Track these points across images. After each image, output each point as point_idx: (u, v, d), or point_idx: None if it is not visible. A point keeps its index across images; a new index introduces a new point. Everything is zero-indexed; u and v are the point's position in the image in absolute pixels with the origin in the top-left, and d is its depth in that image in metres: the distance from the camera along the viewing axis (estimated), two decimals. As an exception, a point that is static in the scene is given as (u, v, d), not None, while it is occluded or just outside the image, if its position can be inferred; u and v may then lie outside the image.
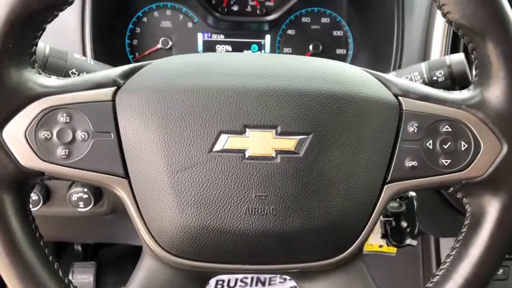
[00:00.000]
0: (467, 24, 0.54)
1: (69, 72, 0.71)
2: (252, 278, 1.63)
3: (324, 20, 1.11)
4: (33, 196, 0.85)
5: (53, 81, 0.55)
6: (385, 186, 0.57)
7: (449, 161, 0.56)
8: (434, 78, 0.73)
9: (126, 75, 0.56)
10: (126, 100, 0.54)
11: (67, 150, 0.54)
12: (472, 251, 0.57)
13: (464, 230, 0.59)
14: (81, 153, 0.54)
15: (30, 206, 0.57)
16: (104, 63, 0.76)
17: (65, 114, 0.54)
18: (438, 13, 0.94)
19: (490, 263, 0.57)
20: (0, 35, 0.51)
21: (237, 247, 0.55)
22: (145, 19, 1.08)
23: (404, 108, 0.57)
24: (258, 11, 1.10)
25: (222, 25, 1.09)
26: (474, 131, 0.56)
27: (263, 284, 1.62)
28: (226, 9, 1.10)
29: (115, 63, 0.67)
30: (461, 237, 0.59)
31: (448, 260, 0.59)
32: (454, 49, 0.94)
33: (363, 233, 0.57)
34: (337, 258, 0.57)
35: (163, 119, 0.54)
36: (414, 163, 0.56)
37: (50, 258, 0.56)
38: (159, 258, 0.57)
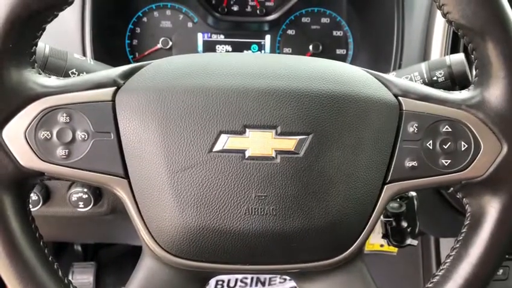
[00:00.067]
0: (467, 24, 0.54)
1: (69, 72, 0.71)
2: (252, 278, 1.63)
3: (324, 20, 1.11)
4: (33, 196, 0.85)
5: (53, 81, 0.55)
6: (385, 186, 0.56)
7: (449, 161, 0.56)
8: (434, 78, 0.73)
9: (126, 75, 0.56)
10: (126, 100, 0.54)
11: (67, 150, 0.54)
12: (472, 251, 0.57)
13: (464, 230, 0.59)
14: (81, 153, 0.54)
15: (30, 206, 0.57)
16: (103, 63, 0.76)
17: (64, 114, 0.54)
18: (438, 13, 0.94)
19: (490, 263, 0.57)
20: (0, 35, 0.51)
21: (237, 247, 0.55)
22: (145, 19, 1.08)
23: (404, 109, 0.57)
24: (258, 11, 1.10)
25: (222, 25, 1.09)
26: (474, 131, 0.56)
27: (263, 284, 1.62)
28: (226, 9, 1.10)
29: (115, 63, 0.67)
30: (461, 238, 0.59)
31: (448, 260, 0.59)
32: (454, 49, 0.94)
33: (363, 233, 0.57)
34: (337, 258, 0.57)
35: (163, 119, 0.54)
36: (414, 163, 0.56)
37: (50, 259, 0.56)
38: (158, 258, 0.57)
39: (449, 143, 0.56)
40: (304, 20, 1.11)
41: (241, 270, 0.58)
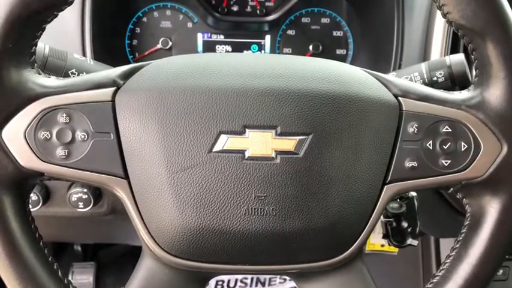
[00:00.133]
0: (468, 24, 0.54)
1: (69, 72, 0.71)
2: (252, 279, 1.63)
3: (324, 20, 1.11)
4: (33, 196, 0.85)
5: (53, 81, 0.55)
6: (385, 186, 0.56)
7: (449, 161, 0.56)
8: (434, 78, 0.73)
9: (126, 76, 0.56)
10: (125, 100, 0.54)
11: (66, 151, 0.54)
12: (472, 252, 0.57)
13: (464, 230, 0.59)
14: (80, 153, 0.54)
15: (30, 206, 0.57)
16: (103, 63, 0.76)
17: (64, 115, 0.54)
18: (438, 13, 0.94)
19: (490, 264, 0.57)
20: (0, 35, 0.51)
21: (237, 247, 0.55)
22: (145, 19, 1.08)
23: (404, 109, 0.57)
24: (258, 11, 1.10)
25: (222, 25, 1.09)
26: (474, 131, 0.56)
27: (263, 284, 1.62)
28: (226, 10, 1.10)
29: (115, 64, 0.67)
30: (461, 238, 0.59)
31: (448, 260, 0.59)
32: (454, 49, 0.94)
33: (363, 233, 0.57)
34: (337, 258, 0.57)
35: (163, 119, 0.54)
36: (414, 163, 0.56)
37: (50, 259, 0.56)
38: (158, 258, 0.57)
39: (449, 144, 0.56)
40: (304, 20, 1.11)
41: (241, 270, 0.58)
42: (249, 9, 1.11)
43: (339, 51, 1.12)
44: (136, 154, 0.54)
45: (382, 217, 0.83)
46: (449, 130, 0.56)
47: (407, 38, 0.98)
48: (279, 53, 1.11)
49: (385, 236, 0.87)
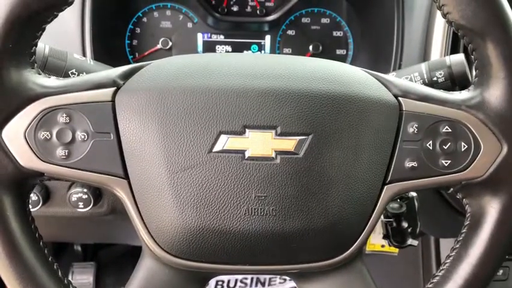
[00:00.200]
0: (468, 24, 0.54)
1: (69, 72, 0.71)
2: (252, 279, 1.63)
3: (324, 20, 1.11)
4: (33, 196, 0.85)
5: (53, 81, 0.55)
6: (385, 186, 0.56)
7: (449, 161, 0.56)
8: (434, 78, 0.73)
9: (126, 76, 0.56)
10: (125, 100, 0.54)
11: (67, 151, 0.54)
12: (472, 252, 0.57)
13: (464, 230, 0.59)
14: (80, 153, 0.54)
15: (30, 206, 0.57)
16: (103, 63, 0.76)
17: (64, 115, 0.54)
18: (438, 13, 0.94)
19: (490, 264, 0.57)
20: (0, 35, 0.51)
21: (237, 248, 0.55)
22: (145, 19, 1.08)
23: (404, 109, 0.57)
24: (258, 12, 1.10)
25: (222, 25, 1.09)
26: (474, 131, 0.56)
27: (263, 284, 1.62)
28: (226, 10, 1.10)
29: (115, 64, 0.67)
30: (461, 238, 0.59)
31: (448, 260, 0.59)
32: (454, 49, 0.94)
33: (363, 233, 0.57)
34: (337, 258, 0.57)
35: (163, 119, 0.54)
36: (414, 164, 0.56)
37: (50, 259, 0.56)
38: (158, 258, 0.57)
39: (449, 144, 0.56)
40: (304, 20, 1.11)
41: (241, 270, 0.58)
42: (249, 9, 1.11)
43: (339, 52, 1.12)
44: (137, 154, 0.54)
45: (382, 217, 0.83)
46: (449, 130, 0.56)
47: (407, 38, 0.98)
48: (279, 53, 1.11)
49: (385, 237, 0.87)
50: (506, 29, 0.53)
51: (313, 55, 1.10)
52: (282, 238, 0.55)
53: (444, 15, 0.55)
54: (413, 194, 0.83)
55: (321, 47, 1.10)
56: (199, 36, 1.09)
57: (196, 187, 0.53)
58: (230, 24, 1.10)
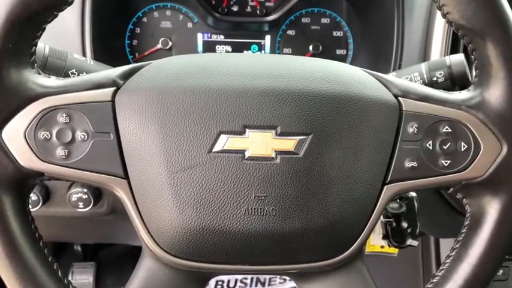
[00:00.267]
0: (468, 24, 0.54)
1: (69, 72, 0.71)
2: (252, 279, 1.63)
3: (324, 20, 1.11)
4: (33, 196, 0.85)
5: (53, 81, 0.55)
6: (385, 186, 0.56)
7: (449, 161, 0.56)
8: (434, 78, 0.73)
9: (126, 76, 0.56)
10: (125, 100, 0.54)
11: (66, 151, 0.54)
12: (471, 252, 0.57)
13: (464, 230, 0.59)
14: (80, 153, 0.54)
15: (30, 206, 0.57)
16: (103, 63, 0.76)
17: (64, 115, 0.54)
18: (438, 13, 0.94)
19: (489, 264, 0.57)
20: (0, 35, 0.51)
21: (237, 248, 0.55)
22: (145, 19, 1.08)
23: (404, 109, 0.57)
24: (258, 12, 1.10)
25: (222, 25, 1.09)
26: (474, 131, 0.56)
27: (263, 284, 1.62)
28: (226, 10, 1.10)
29: (115, 64, 0.67)
30: (461, 238, 0.59)
31: (448, 260, 0.59)
32: (454, 49, 0.94)
33: (363, 233, 0.57)
34: (337, 258, 0.57)
35: (163, 119, 0.54)
36: (414, 164, 0.56)
37: (50, 259, 0.56)
38: (158, 258, 0.57)
39: (449, 144, 0.56)
40: (304, 20, 1.11)
41: (241, 270, 0.58)
42: (249, 9, 1.11)
43: (339, 52, 1.12)
44: (136, 154, 0.54)
45: (382, 217, 0.83)
46: (449, 130, 0.56)
47: (407, 38, 0.98)
48: (279, 53, 1.11)
49: (385, 237, 0.87)
50: (506, 29, 0.53)
51: (313, 55, 1.10)
52: (281, 238, 0.55)
53: (444, 15, 0.55)
54: (413, 194, 0.83)
55: (321, 47, 1.10)
56: (199, 36, 1.09)
57: (196, 187, 0.53)
58: (230, 24, 1.10)
